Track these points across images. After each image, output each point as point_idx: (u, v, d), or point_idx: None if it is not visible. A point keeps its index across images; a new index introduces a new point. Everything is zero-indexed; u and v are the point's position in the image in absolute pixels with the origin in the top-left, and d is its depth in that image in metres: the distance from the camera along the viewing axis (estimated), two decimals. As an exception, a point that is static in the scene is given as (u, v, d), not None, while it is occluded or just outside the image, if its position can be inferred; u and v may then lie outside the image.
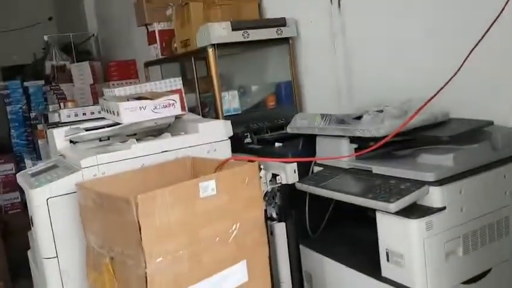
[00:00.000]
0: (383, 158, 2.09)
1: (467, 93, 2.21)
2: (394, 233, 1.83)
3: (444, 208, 1.78)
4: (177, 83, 2.87)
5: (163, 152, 2.20)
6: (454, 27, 2.30)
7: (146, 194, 1.57)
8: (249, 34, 3.07)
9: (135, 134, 2.41)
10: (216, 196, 1.75)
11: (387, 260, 1.87)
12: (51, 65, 5.97)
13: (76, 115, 2.89)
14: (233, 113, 3.24)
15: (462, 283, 1.88)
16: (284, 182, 2.37)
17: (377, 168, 2.01)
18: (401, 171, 1.90)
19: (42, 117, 4.83)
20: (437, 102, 2.00)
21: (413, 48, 2.51)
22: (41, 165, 2.32)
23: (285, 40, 3.25)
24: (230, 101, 3.26)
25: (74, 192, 1.96)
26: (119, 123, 2.25)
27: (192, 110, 3.12)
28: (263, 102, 3.44)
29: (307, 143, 2.39)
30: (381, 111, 2.12)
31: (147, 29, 4.01)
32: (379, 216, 1.88)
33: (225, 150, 2.33)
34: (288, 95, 3.37)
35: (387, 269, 1.88)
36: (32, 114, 5.52)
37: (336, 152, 2.19)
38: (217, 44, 3.03)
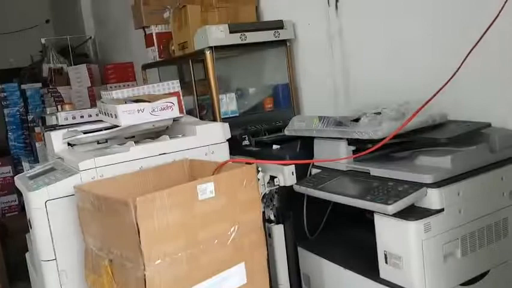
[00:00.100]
0: (381, 160, 2.09)
1: (464, 95, 2.22)
2: (392, 234, 1.83)
3: (442, 210, 1.79)
4: (175, 85, 2.87)
5: (161, 154, 2.21)
6: (451, 30, 2.30)
7: (145, 197, 1.58)
8: (246, 37, 3.07)
9: (133, 137, 2.41)
10: (214, 198, 1.75)
11: (386, 262, 1.87)
12: (49, 67, 5.96)
13: (74, 118, 2.89)
14: (231, 116, 3.24)
15: (460, 285, 1.88)
16: (282, 184, 2.37)
17: (375, 170, 2.01)
18: (399, 173, 1.90)
19: (39, 120, 4.83)
20: (435, 104, 2.01)
21: (411, 50, 2.52)
22: (39, 168, 2.32)
23: (283, 42, 3.25)
24: (228, 104, 3.26)
25: (72, 194, 1.97)
26: (117, 126, 2.25)
27: (189, 112, 3.12)
28: (261, 104, 3.44)
29: (305, 145, 2.39)
30: (379, 113, 2.12)
31: (144, 31, 4.00)
32: (377, 218, 1.88)
33: (223, 153, 2.33)
34: (286, 97, 3.37)
35: (385, 271, 1.89)
36: (30, 117, 5.53)
37: (334, 154, 2.19)
38: (215, 47, 3.03)
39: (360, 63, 2.84)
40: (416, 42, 2.49)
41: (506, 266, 2.00)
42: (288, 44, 3.27)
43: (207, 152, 2.30)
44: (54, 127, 2.73)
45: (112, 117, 2.28)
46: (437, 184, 1.79)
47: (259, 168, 2.23)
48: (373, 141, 2.01)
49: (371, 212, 1.89)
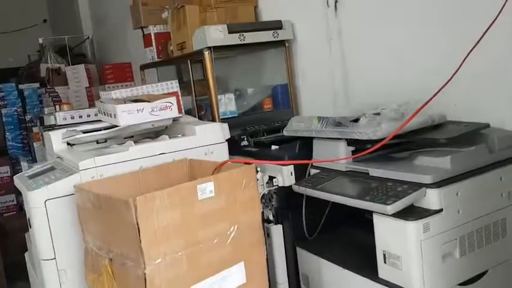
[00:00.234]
0: (380, 160, 2.09)
1: (464, 96, 2.23)
2: (391, 234, 1.84)
3: (441, 210, 1.79)
4: (174, 85, 2.87)
5: (160, 154, 2.21)
6: (451, 30, 2.31)
7: (145, 196, 1.58)
8: (245, 37, 3.08)
9: (132, 136, 2.42)
10: (214, 198, 1.76)
11: (384, 262, 1.87)
12: (47, 67, 5.97)
13: (72, 118, 2.89)
14: (229, 116, 3.25)
15: (458, 284, 1.88)
16: (281, 185, 2.37)
17: (374, 171, 2.01)
18: (398, 174, 1.90)
19: (38, 120, 4.83)
20: (434, 105, 2.01)
21: (410, 50, 2.53)
22: (38, 168, 2.32)
23: (282, 43, 3.26)
24: (226, 104, 3.26)
25: (72, 194, 1.97)
26: (116, 126, 2.25)
27: (188, 112, 3.12)
28: (259, 105, 3.45)
29: (304, 146, 2.39)
30: (378, 113, 2.13)
31: (143, 31, 4.01)
32: (376, 218, 1.88)
33: (222, 153, 2.34)
34: (285, 98, 3.37)
35: (384, 271, 1.89)
36: (28, 117, 5.52)
37: (333, 154, 2.19)
38: (214, 47, 3.03)
39: (359, 64, 2.84)
40: (416, 43, 2.49)
41: (504, 266, 2.00)
42: (286, 45, 3.27)
43: (206, 152, 2.31)
44: (53, 127, 2.73)
45: (111, 117, 2.28)
46: (436, 184, 1.79)
47: (258, 169, 2.23)
48: (372, 142, 2.01)
49: (370, 212, 1.89)
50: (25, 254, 2.61)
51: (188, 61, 3.34)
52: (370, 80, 2.76)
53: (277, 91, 3.42)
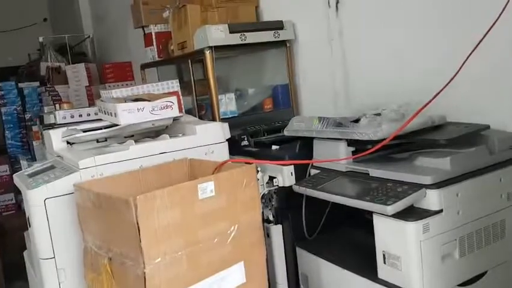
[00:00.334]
0: (380, 161, 2.10)
1: (464, 97, 2.23)
2: (391, 235, 1.84)
3: (441, 211, 1.79)
4: (174, 85, 2.87)
5: (161, 153, 2.21)
6: (452, 31, 2.31)
7: (145, 195, 1.58)
8: (246, 37, 3.08)
9: (132, 136, 2.41)
10: (214, 197, 1.76)
11: (384, 262, 1.87)
12: (47, 66, 5.96)
13: (72, 117, 2.89)
14: (230, 116, 3.24)
15: (458, 285, 1.89)
16: (281, 185, 2.37)
17: (374, 171, 2.01)
18: (398, 174, 1.91)
19: (37, 119, 4.83)
20: (434, 106, 2.01)
21: (411, 51, 2.53)
22: (38, 166, 2.32)
23: (282, 43, 3.26)
24: (227, 104, 3.26)
25: (72, 193, 1.96)
26: (116, 125, 2.25)
27: (188, 112, 3.11)
28: (260, 105, 3.44)
29: (304, 146, 2.39)
30: (379, 114, 2.13)
31: (144, 31, 4.01)
32: (376, 219, 1.88)
33: (222, 153, 2.34)
34: (285, 98, 3.37)
35: (383, 271, 1.89)
36: (27, 116, 5.52)
37: (333, 154, 2.20)
38: (215, 47, 3.03)
39: (360, 64, 2.84)
40: (417, 44, 2.50)
41: (503, 267, 2.01)
42: (287, 45, 3.27)
43: (207, 151, 2.30)
44: (53, 126, 2.73)
45: (111, 116, 2.28)
46: (436, 185, 1.79)
47: (259, 169, 2.23)
48: (373, 142, 2.01)
49: (370, 213, 1.90)
50: (24, 253, 2.61)
51: (189, 61, 3.34)
52: (370, 80, 2.76)
53: (277, 91, 3.42)
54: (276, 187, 2.39)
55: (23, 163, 4.33)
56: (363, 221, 2.08)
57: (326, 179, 2.18)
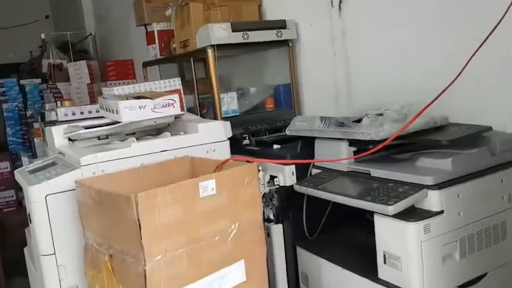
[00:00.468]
0: (381, 161, 2.10)
1: (466, 98, 2.23)
2: (392, 235, 1.84)
3: (442, 212, 1.79)
4: (176, 83, 2.87)
5: (162, 151, 2.21)
6: (455, 32, 2.31)
7: (146, 192, 1.58)
8: (248, 36, 3.07)
9: (134, 133, 2.41)
10: (215, 195, 1.75)
11: (384, 262, 1.87)
12: (48, 63, 5.96)
13: (74, 114, 2.89)
14: (231, 115, 3.24)
15: (458, 287, 1.88)
16: (282, 184, 2.37)
17: (376, 171, 2.01)
18: (399, 175, 1.91)
19: (39, 116, 4.83)
20: (437, 107, 2.01)
21: (414, 52, 2.53)
22: (39, 162, 2.32)
23: (285, 42, 3.25)
24: (229, 103, 3.26)
25: (73, 189, 1.96)
26: (118, 122, 2.25)
27: (190, 111, 3.11)
28: (262, 104, 3.44)
29: (305, 146, 2.40)
30: (381, 114, 2.13)
31: (146, 29, 4.01)
32: (377, 219, 1.88)
33: (224, 151, 2.34)
34: (287, 98, 3.37)
35: (384, 271, 1.89)
36: (28, 113, 5.52)
37: (335, 154, 2.20)
38: (217, 45, 3.03)
39: (363, 64, 2.84)
40: (419, 44, 2.49)
41: (504, 269, 2.00)
42: (290, 44, 3.27)
43: (208, 149, 2.30)
44: (54, 123, 2.72)
45: (113, 113, 2.28)
46: (438, 186, 1.79)
47: (260, 168, 2.22)
48: (374, 142, 2.01)
49: (371, 213, 1.90)
50: (24, 249, 2.61)
51: (192, 59, 3.34)
52: (373, 79, 2.76)
53: (279, 90, 3.42)
54: (277, 186, 2.39)
55: (24, 160, 4.32)
56: (364, 221, 2.08)
57: (327, 178, 2.18)
